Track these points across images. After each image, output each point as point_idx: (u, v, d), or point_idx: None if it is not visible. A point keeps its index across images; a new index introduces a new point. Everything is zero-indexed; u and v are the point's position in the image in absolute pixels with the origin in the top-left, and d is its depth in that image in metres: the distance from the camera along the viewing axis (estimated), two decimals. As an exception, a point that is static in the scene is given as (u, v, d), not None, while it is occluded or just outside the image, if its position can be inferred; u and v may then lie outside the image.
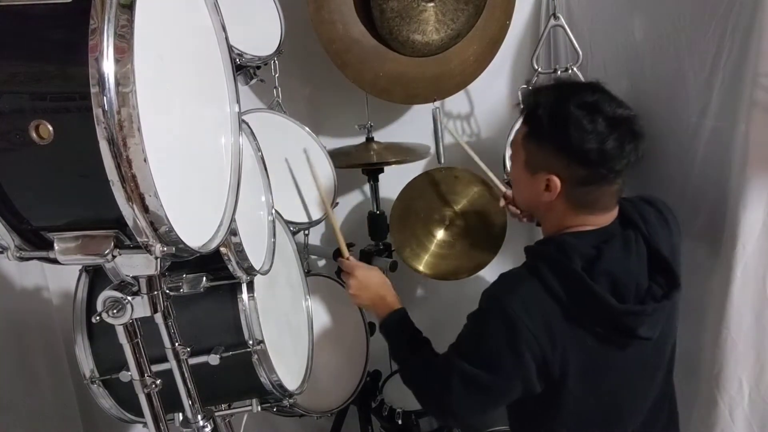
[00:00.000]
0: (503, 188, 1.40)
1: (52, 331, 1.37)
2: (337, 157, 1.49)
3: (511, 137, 1.26)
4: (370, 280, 1.22)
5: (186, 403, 0.78)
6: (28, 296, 1.34)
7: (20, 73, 0.50)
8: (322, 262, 1.85)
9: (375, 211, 1.61)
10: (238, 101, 0.77)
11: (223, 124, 0.76)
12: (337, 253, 1.32)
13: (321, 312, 1.44)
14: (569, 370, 0.92)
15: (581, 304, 0.90)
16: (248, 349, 0.94)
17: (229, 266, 0.87)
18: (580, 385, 0.93)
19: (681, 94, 1.13)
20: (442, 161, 1.54)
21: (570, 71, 1.41)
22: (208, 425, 0.80)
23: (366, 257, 1.53)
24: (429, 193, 1.61)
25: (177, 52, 0.63)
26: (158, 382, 0.68)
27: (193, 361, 0.82)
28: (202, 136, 0.70)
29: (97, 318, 0.60)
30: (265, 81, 1.42)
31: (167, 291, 0.70)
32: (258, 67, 1.32)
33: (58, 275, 1.35)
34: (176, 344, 0.74)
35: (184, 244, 0.57)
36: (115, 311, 0.60)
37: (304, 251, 1.53)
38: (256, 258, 0.94)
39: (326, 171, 1.46)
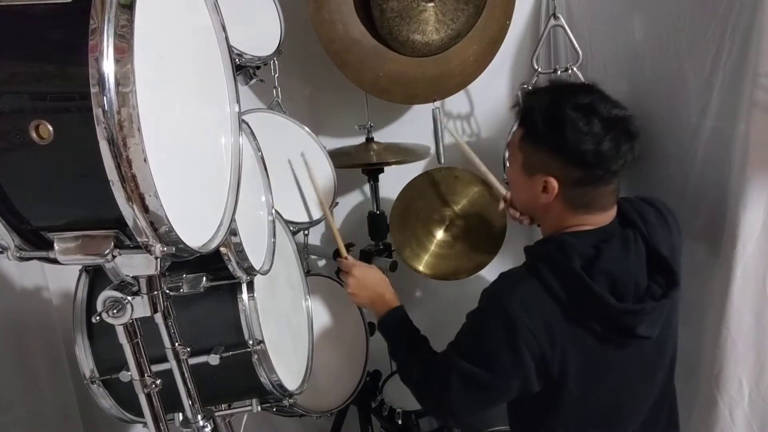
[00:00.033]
0: (503, 190, 1.40)
1: (52, 331, 1.37)
2: (337, 157, 1.49)
3: (509, 139, 1.25)
4: (368, 279, 1.22)
5: (186, 403, 0.78)
6: (28, 296, 1.34)
7: (20, 73, 0.50)
8: (322, 262, 1.85)
9: (375, 211, 1.61)
10: (238, 101, 0.77)
11: (223, 124, 0.76)
12: (337, 253, 1.32)
13: (321, 312, 1.44)
14: (569, 370, 0.92)
15: (580, 303, 0.90)
16: (248, 349, 0.94)
17: (229, 266, 0.87)
18: (580, 385, 0.94)
19: (681, 94, 1.13)
20: (442, 161, 1.54)
21: (570, 71, 1.40)
22: (208, 425, 0.80)
23: (366, 257, 1.53)
24: (429, 193, 1.61)
25: (177, 52, 0.63)
26: (158, 382, 0.68)
27: (193, 361, 0.82)
28: (202, 136, 0.70)
29: (97, 318, 0.60)
30: (265, 81, 1.42)
31: (167, 291, 0.70)
32: (258, 67, 1.32)
33: (58, 275, 1.35)
34: (176, 344, 0.74)
35: (184, 244, 0.57)
36: (115, 311, 0.60)
37: (303, 251, 1.53)
38: (256, 258, 0.94)
39: (326, 171, 1.46)
